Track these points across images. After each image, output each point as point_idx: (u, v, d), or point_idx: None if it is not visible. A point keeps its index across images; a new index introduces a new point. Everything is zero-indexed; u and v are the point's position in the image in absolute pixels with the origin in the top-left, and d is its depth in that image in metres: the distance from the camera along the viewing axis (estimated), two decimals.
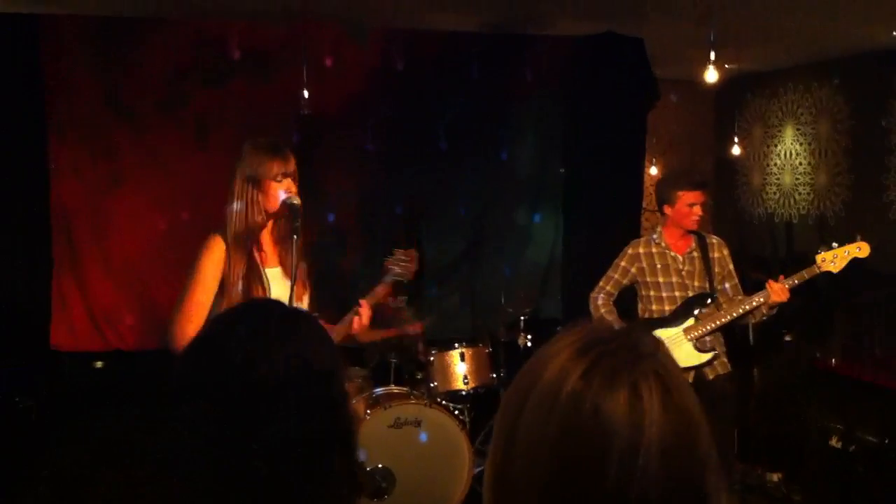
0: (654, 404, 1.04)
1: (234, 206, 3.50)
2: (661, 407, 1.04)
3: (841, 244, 4.64)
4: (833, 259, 4.61)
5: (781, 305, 4.64)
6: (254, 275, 3.49)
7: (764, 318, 4.84)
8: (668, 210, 4.91)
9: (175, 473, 1.06)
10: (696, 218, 4.82)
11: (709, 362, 4.77)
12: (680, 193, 4.83)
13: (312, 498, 1.38)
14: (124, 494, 1.04)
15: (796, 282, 4.61)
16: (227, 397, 1.40)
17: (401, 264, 3.88)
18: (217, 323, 1.58)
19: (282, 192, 3.51)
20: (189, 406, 1.32)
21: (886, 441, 5.00)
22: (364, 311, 3.69)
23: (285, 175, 3.52)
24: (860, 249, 4.63)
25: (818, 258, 4.63)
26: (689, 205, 4.81)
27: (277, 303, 1.68)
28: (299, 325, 1.54)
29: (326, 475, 1.42)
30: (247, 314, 1.61)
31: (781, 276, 4.65)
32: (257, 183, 3.50)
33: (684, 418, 1.06)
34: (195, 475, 1.06)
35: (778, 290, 4.57)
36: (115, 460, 1.05)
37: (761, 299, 4.65)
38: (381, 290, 3.83)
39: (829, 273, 4.63)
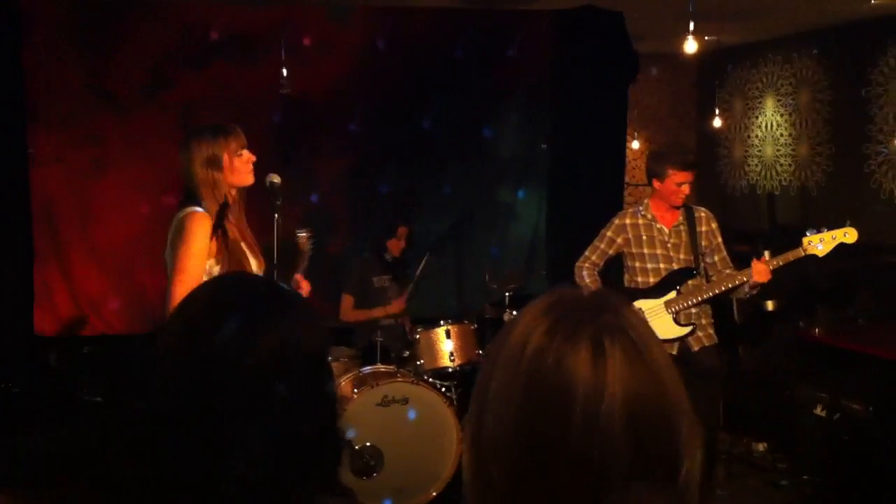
0: (616, 358, 1.04)
1: (202, 191, 3.51)
2: (625, 359, 1.04)
3: (829, 228, 4.64)
4: (819, 242, 4.61)
5: (763, 283, 4.66)
6: (233, 250, 3.49)
7: (747, 295, 4.87)
8: (656, 184, 4.91)
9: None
10: (683, 196, 4.84)
11: (688, 335, 4.80)
12: (671, 171, 4.83)
13: (303, 497, 1.34)
14: None
15: (780, 263, 4.62)
16: (207, 393, 1.35)
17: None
18: (196, 301, 1.51)
19: (249, 168, 3.54)
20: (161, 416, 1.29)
21: (870, 409, 5.04)
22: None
23: (242, 146, 3.53)
24: (847, 235, 4.63)
25: (804, 241, 4.63)
26: (678, 184, 4.81)
27: (253, 277, 1.60)
28: (287, 304, 1.47)
29: (315, 474, 1.38)
30: (229, 291, 1.54)
31: (766, 254, 4.66)
32: (216, 164, 3.50)
33: (650, 372, 1.05)
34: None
35: (761, 271, 4.58)
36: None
37: (744, 278, 4.67)
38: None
39: (814, 256, 4.63)
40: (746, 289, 4.73)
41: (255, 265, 3.56)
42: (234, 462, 1.09)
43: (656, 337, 1.11)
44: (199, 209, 3.48)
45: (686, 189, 4.83)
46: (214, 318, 1.40)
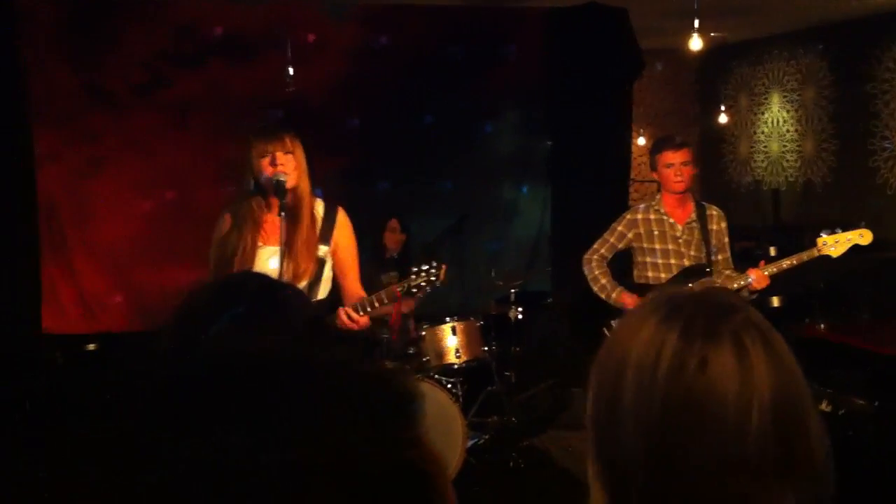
0: (758, 354, 1.02)
1: (241, 187, 3.67)
2: (767, 358, 1.02)
3: (844, 229, 4.63)
4: (834, 244, 4.60)
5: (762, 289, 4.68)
6: (247, 251, 3.53)
7: (746, 300, 4.88)
8: (655, 176, 4.93)
9: None
10: (679, 179, 4.78)
11: None
12: (656, 157, 4.85)
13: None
14: None
15: (774, 270, 4.61)
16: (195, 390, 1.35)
17: (424, 276, 3.86)
18: (196, 299, 1.52)
19: (267, 167, 3.55)
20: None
21: (875, 404, 5.04)
22: (353, 319, 3.69)
23: (267, 151, 3.55)
24: (862, 236, 4.62)
25: (819, 241, 4.62)
26: (666, 165, 4.80)
27: (251, 275, 1.61)
28: (272, 298, 1.49)
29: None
30: (213, 290, 1.54)
31: (772, 250, 4.66)
32: (248, 162, 3.59)
33: (787, 367, 1.04)
34: None
35: (759, 279, 4.60)
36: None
37: (743, 283, 4.67)
38: (388, 296, 3.80)
39: (827, 257, 4.63)
40: (746, 294, 4.73)
41: (274, 267, 3.55)
42: (226, 462, 1.08)
43: (779, 333, 1.09)
44: (226, 211, 3.68)
45: (679, 171, 4.78)
46: (211, 313, 1.41)
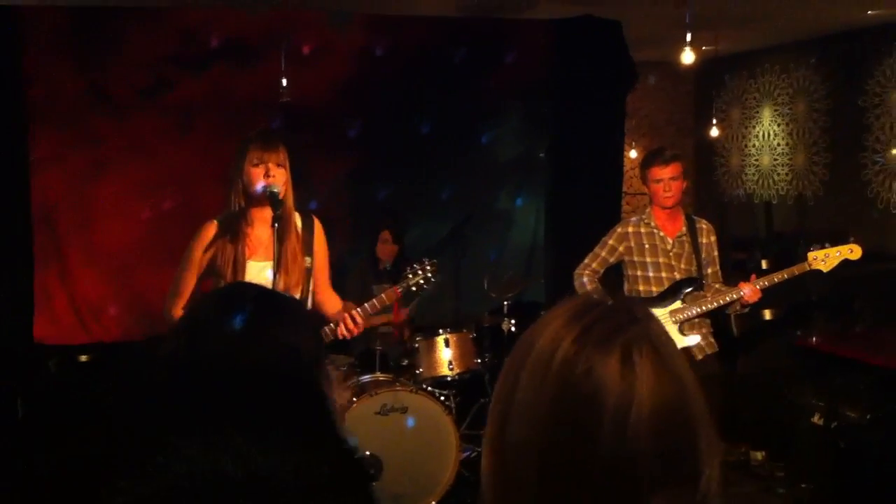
0: (645, 367, 1.05)
1: (229, 194, 3.61)
2: (652, 370, 1.05)
3: (834, 244, 4.67)
4: (824, 258, 4.65)
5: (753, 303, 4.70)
6: (234, 264, 3.53)
7: (737, 312, 4.91)
8: (646, 190, 4.97)
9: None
10: (668, 195, 4.81)
11: (695, 344, 4.81)
12: (647, 171, 4.88)
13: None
14: None
15: (766, 284, 4.64)
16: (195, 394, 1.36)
17: (420, 275, 3.89)
18: (197, 308, 1.54)
19: (260, 178, 3.54)
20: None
21: (868, 417, 5.05)
22: (359, 321, 3.70)
23: (261, 161, 3.54)
24: (852, 251, 4.66)
25: (809, 256, 4.67)
26: (655, 181, 4.83)
27: (254, 286, 1.63)
28: (277, 308, 1.50)
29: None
30: (217, 299, 1.56)
31: (763, 264, 4.69)
32: (240, 170, 3.55)
33: (675, 382, 1.07)
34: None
35: (749, 293, 4.62)
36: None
37: (735, 296, 4.69)
38: (388, 297, 3.83)
39: (818, 272, 4.67)
40: (738, 307, 4.76)
41: (262, 282, 3.54)
42: (226, 464, 1.09)
43: (676, 347, 1.13)
44: (212, 220, 3.63)
45: (669, 186, 4.80)
46: (212, 323, 1.42)
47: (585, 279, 5.01)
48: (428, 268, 3.91)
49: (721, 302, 4.75)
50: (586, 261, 5.05)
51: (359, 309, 3.71)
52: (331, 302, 3.88)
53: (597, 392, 1.04)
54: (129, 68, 7.19)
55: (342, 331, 3.68)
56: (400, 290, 3.89)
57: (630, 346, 1.07)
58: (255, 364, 1.38)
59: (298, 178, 3.76)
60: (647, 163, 4.95)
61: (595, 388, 1.04)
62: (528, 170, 8.32)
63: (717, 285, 4.88)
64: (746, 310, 4.77)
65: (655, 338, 1.09)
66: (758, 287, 4.60)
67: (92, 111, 7.18)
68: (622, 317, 1.11)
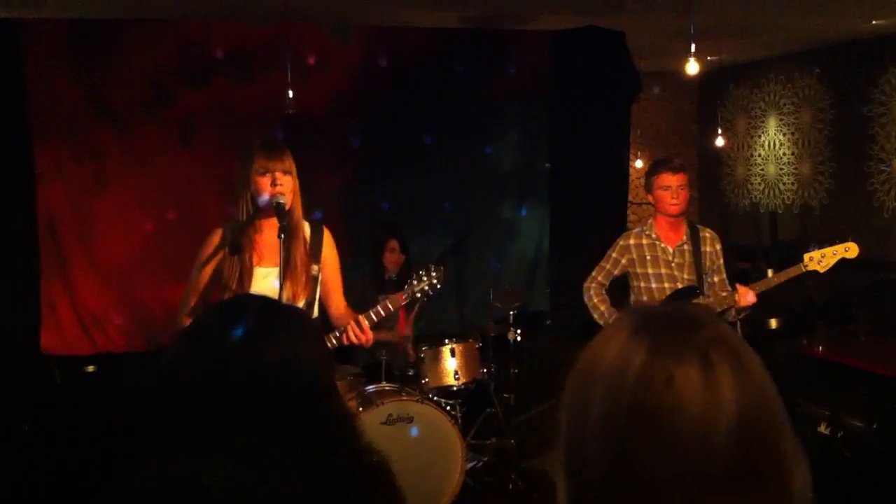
0: (727, 373, 1.02)
1: (238, 203, 3.63)
2: (735, 375, 1.02)
3: (831, 244, 4.65)
4: (821, 259, 4.61)
5: (766, 294, 4.66)
6: (240, 271, 3.54)
7: (735, 319, 4.89)
8: (650, 199, 4.95)
9: None
10: (675, 202, 4.80)
11: None
12: (653, 179, 4.87)
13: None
14: None
15: (763, 288, 4.62)
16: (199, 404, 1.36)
17: (426, 281, 3.88)
18: (203, 320, 1.54)
19: (267, 187, 3.55)
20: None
21: (873, 425, 5.04)
22: (364, 326, 3.69)
23: (267, 170, 3.55)
24: (848, 250, 4.62)
25: (805, 257, 4.64)
26: (662, 188, 4.82)
27: (258, 297, 1.64)
28: (280, 319, 1.49)
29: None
30: (220, 310, 1.57)
31: (769, 272, 4.67)
32: (248, 179, 3.57)
33: (759, 385, 1.04)
34: None
35: (744, 294, 4.60)
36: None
37: (731, 302, 4.67)
38: (393, 303, 3.82)
39: (815, 272, 4.64)
40: (733, 312, 4.72)
41: (268, 289, 3.54)
42: (222, 472, 1.09)
43: (752, 350, 1.09)
44: (219, 227, 3.66)
45: (674, 194, 4.80)
46: (217, 333, 1.43)
47: (592, 292, 5.02)
48: (433, 273, 3.89)
49: (718, 308, 4.75)
50: (593, 273, 5.06)
51: (364, 315, 3.71)
52: (340, 310, 3.88)
53: (681, 400, 1.00)
54: (129, 82, 7.23)
55: (350, 338, 3.68)
56: (405, 295, 3.88)
57: (707, 351, 1.03)
58: (254, 374, 1.39)
59: (301, 190, 3.77)
60: (654, 170, 4.93)
61: (678, 396, 1.01)
62: (531, 179, 8.32)
63: (723, 293, 4.87)
64: (742, 315, 4.73)
65: (731, 341, 1.06)
66: (751, 290, 4.58)
67: (93, 124, 7.22)
68: (689, 322, 1.07)
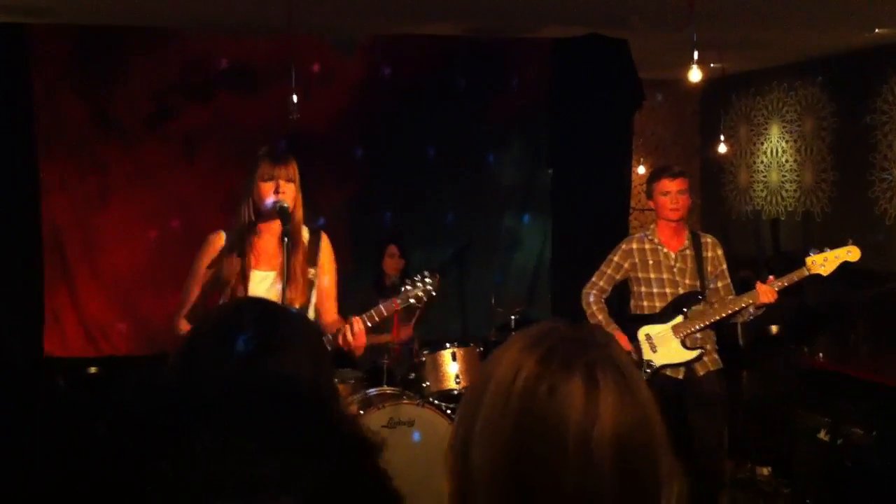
0: (609, 388, 1.06)
1: (240, 208, 3.68)
2: (616, 392, 1.06)
3: (832, 247, 4.67)
4: (823, 262, 4.64)
5: (769, 304, 4.68)
6: (239, 274, 3.58)
7: (751, 317, 4.90)
8: (651, 205, 4.99)
9: None
10: (675, 207, 4.83)
11: (697, 359, 4.82)
12: (653, 185, 4.91)
13: None
14: None
15: (785, 284, 4.65)
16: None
17: (420, 287, 3.90)
18: (203, 325, 1.55)
19: (270, 193, 3.58)
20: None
21: (873, 434, 5.06)
22: (357, 329, 3.71)
23: (271, 177, 3.58)
24: (850, 253, 4.65)
25: (808, 261, 4.66)
26: (663, 193, 4.85)
27: (257, 303, 1.64)
28: (279, 327, 1.51)
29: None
30: (219, 315, 1.58)
31: (771, 278, 4.69)
32: (251, 185, 3.61)
33: (638, 405, 1.08)
34: None
35: (766, 292, 4.61)
36: None
37: (749, 300, 4.69)
38: (387, 309, 3.84)
39: (818, 276, 4.66)
40: (752, 310, 4.74)
41: (268, 293, 3.57)
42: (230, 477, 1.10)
43: (638, 371, 1.15)
44: (219, 231, 3.71)
45: (675, 200, 4.83)
46: (218, 339, 1.44)
47: (592, 299, 5.04)
48: (427, 280, 3.90)
49: (730, 310, 4.77)
50: (593, 279, 5.08)
51: (357, 318, 3.73)
52: (332, 317, 3.90)
53: (560, 412, 1.04)
54: (133, 96, 7.27)
55: (344, 339, 3.70)
56: (399, 301, 3.90)
57: (594, 366, 1.07)
58: (252, 384, 1.39)
59: (305, 201, 3.80)
60: (654, 177, 4.98)
61: (558, 408, 1.04)
62: (534, 188, 8.31)
63: (729, 297, 4.89)
64: (760, 312, 4.73)
65: (618, 360, 1.10)
66: (774, 288, 4.59)
67: (98, 138, 7.26)
68: (583, 340, 1.12)
